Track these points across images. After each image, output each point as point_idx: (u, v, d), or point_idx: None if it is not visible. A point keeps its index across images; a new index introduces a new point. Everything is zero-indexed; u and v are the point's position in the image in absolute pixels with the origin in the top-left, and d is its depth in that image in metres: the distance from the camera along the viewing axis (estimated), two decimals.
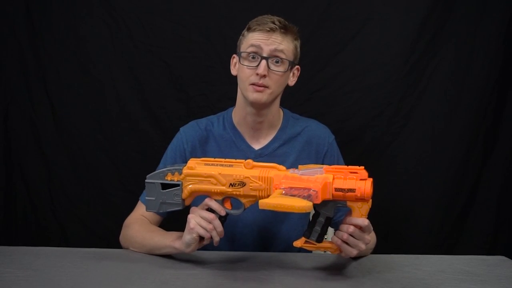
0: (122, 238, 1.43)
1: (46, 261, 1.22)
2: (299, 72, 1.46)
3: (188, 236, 1.17)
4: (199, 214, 1.17)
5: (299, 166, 1.14)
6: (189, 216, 1.18)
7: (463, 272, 1.19)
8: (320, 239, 1.13)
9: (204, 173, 1.16)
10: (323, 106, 1.96)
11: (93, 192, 2.02)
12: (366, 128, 1.98)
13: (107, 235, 1.99)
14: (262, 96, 1.33)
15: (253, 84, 1.33)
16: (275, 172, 1.13)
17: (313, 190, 1.04)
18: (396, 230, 1.99)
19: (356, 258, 1.26)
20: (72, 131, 2.00)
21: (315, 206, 1.11)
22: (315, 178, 1.08)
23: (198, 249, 1.33)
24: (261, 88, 1.32)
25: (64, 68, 1.98)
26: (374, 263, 1.24)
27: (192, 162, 1.19)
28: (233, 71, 1.43)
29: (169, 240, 1.25)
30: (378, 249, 1.37)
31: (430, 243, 1.99)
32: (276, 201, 0.98)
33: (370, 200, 1.09)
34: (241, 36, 1.40)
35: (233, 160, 1.17)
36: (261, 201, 0.98)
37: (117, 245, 1.44)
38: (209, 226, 1.15)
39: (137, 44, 1.96)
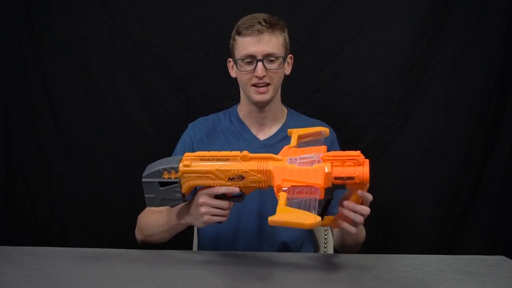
0: (138, 228, 1.44)
1: (46, 261, 1.22)
2: (292, 60, 1.49)
3: (200, 224, 1.21)
4: (211, 205, 1.16)
5: (296, 149, 1.16)
6: (202, 209, 1.17)
7: (463, 272, 1.19)
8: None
9: (202, 169, 1.15)
10: (323, 106, 1.96)
11: (93, 192, 2.02)
12: (366, 128, 1.98)
13: (107, 235, 1.99)
14: (267, 96, 1.40)
15: (254, 85, 1.39)
16: (273, 163, 1.11)
17: (315, 188, 1.04)
18: (396, 230, 2.00)
19: (355, 257, 1.27)
20: (72, 131, 2.00)
21: None
22: (314, 171, 1.07)
23: (199, 249, 1.34)
24: (264, 89, 1.39)
25: (64, 68, 1.98)
26: (374, 263, 1.24)
27: (186, 159, 1.17)
28: (232, 74, 1.49)
29: (175, 220, 1.28)
30: (378, 249, 1.37)
31: (430, 243, 1.99)
32: (285, 219, 0.98)
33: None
34: (232, 41, 1.43)
35: (228, 153, 1.15)
36: (270, 219, 0.97)
37: (117, 245, 1.44)
38: (225, 213, 1.18)
39: (137, 44, 1.96)
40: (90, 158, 2.01)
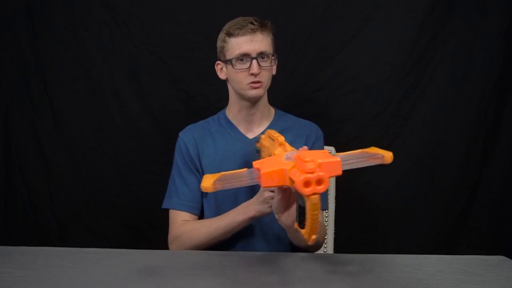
0: (180, 245, 1.44)
1: (46, 261, 1.22)
2: (276, 59, 1.52)
3: (267, 208, 1.30)
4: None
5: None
6: (265, 193, 1.28)
7: (463, 272, 1.19)
8: (301, 225, 1.02)
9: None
10: (323, 106, 1.96)
11: (93, 192, 2.02)
12: (366, 128, 1.98)
13: (107, 235, 1.99)
14: (260, 91, 1.46)
15: (249, 83, 1.44)
16: (279, 150, 1.17)
17: (256, 172, 1.03)
18: (396, 230, 1.99)
19: (355, 257, 1.27)
20: (72, 131, 2.00)
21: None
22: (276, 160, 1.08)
23: (200, 249, 1.34)
24: (258, 85, 1.44)
25: (64, 68, 1.98)
26: (374, 263, 1.24)
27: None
28: (222, 76, 1.52)
29: (240, 216, 1.36)
30: (378, 249, 1.37)
31: (430, 243, 1.99)
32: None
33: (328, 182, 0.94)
34: (222, 42, 1.46)
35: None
36: None
37: (117, 245, 1.44)
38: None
39: (137, 44, 1.96)
40: (90, 158, 2.01)
